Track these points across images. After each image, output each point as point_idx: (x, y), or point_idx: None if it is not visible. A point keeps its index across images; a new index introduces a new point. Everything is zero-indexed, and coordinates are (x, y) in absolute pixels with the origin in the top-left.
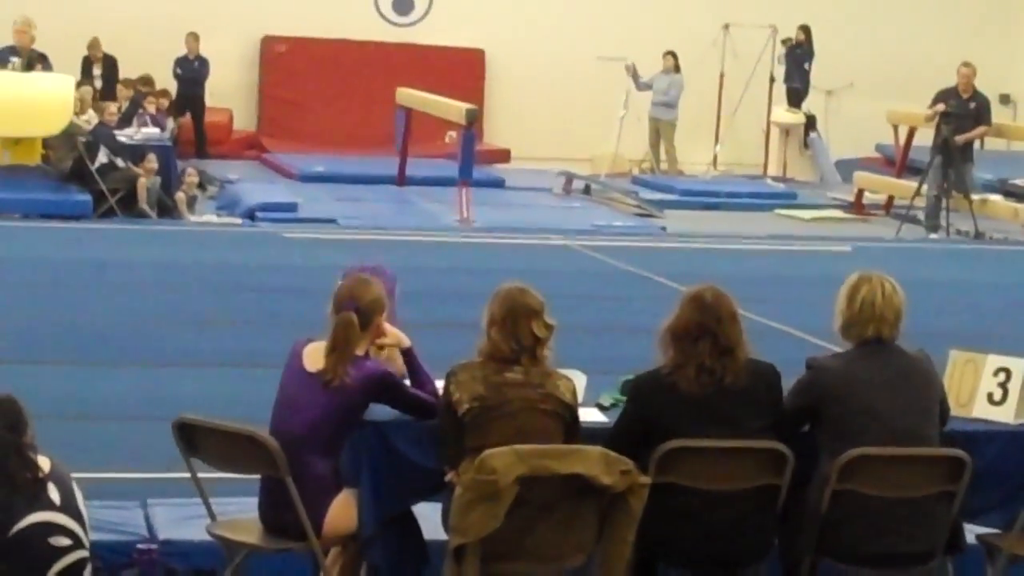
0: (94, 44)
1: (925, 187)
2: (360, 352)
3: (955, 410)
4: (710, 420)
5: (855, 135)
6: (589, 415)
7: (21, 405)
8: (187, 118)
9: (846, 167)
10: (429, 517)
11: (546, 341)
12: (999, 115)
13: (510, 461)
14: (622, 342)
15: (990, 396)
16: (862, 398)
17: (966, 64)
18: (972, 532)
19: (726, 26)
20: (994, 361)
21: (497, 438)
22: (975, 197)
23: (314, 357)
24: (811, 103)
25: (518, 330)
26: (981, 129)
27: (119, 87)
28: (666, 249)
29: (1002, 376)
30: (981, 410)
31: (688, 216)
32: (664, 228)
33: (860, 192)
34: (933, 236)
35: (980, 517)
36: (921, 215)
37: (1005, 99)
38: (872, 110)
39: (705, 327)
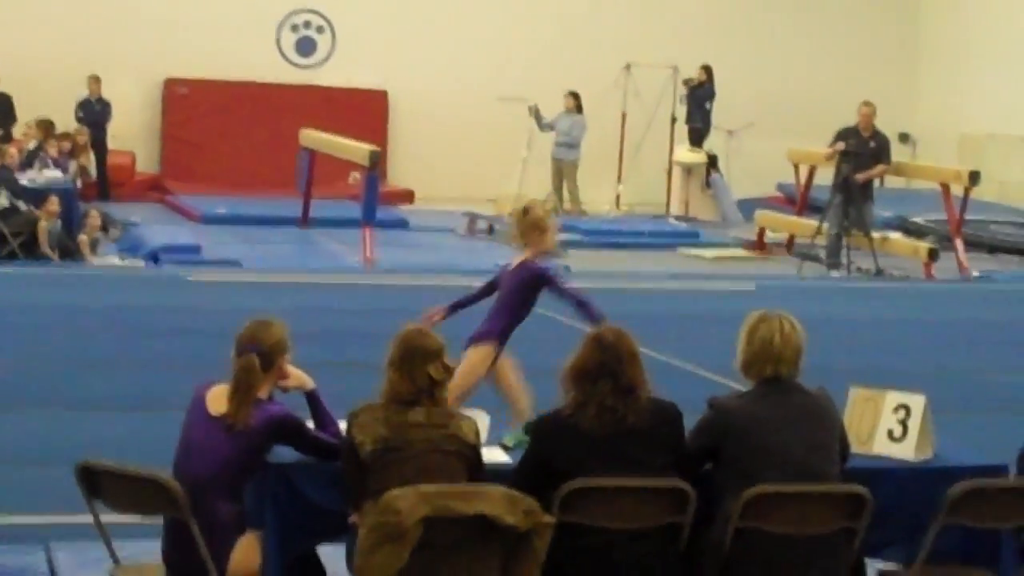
0: None
1: (826, 225)
2: (263, 394)
3: (855, 447)
4: (612, 459)
5: (756, 174)
6: (493, 455)
7: None
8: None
9: (748, 206)
10: (333, 559)
11: (444, 383)
12: (899, 153)
13: (413, 502)
14: (526, 382)
15: (890, 432)
16: (763, 437)
17: (866, 103)
18: (874, 567)
19: (627, 66)
20: (894, 398)
21: (400, 479)
22: (875, 235)
23: (217, 400)
24: (712, 143)
25: (414, 372)
26: (881, 167)
27: (25, 128)
28: None
29: (902, 412)
30: (881, 446)
31: (591, 256)
32: (568, 268)
33: (762, 231)
34: (834, 274)
35: (882, 552)
36: (822, 253)
37: (904, 137)
38: (773, 149)
39: (606, 367)
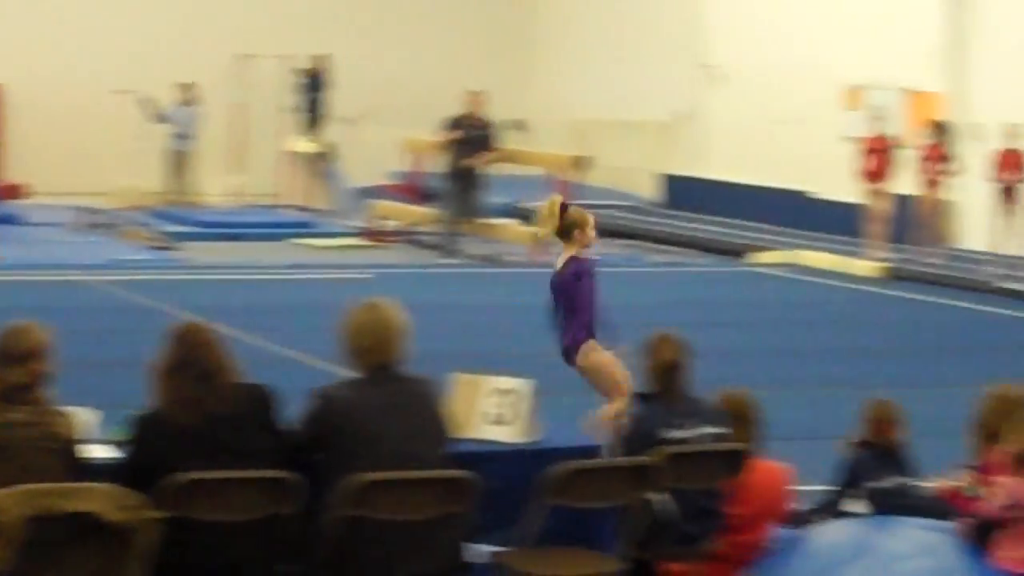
0: None
1: (440, 212)
2: None
3: (460, 432)
4: (208, 450)
5: (371, 163)
6: (101, 452)
7: None
8: None
9: (363, 195)
10: None
11: (35, 384)
12: (513, 140)
13: (15, 501)
14: (137, 377)
15: (493, 416)
16: (367, 424)
17: (474, 91)
18: (485, 551)
19: (241, 56)
20: (497, 382)
21: (2, 479)
22: (487, 221)
23: None
24: (327, 132)
25: (6, 372)
26: (491, 154)
27: None
28: (183, 281)
29: (505, 396)
30: (485, 430)
31: (206, 247)
32: (182, 260)
33: (377, 219)
34: (448, 260)
35: (491, 535)
36: (437, 240)
37: (518, 124)
38: (387, 138)
39: (184, 359)
